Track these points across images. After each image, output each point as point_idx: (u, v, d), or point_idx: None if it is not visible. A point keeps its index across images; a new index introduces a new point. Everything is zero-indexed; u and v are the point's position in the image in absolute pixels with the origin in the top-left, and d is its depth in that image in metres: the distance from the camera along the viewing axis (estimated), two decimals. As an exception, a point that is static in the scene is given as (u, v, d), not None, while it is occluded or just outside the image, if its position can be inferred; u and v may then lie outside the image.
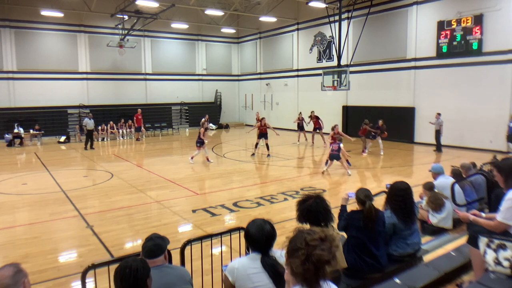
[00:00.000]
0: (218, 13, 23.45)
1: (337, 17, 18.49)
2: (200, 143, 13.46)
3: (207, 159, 13.64)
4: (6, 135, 19.99)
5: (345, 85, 17.40)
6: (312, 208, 3.22)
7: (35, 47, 22.68)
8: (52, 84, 23.22)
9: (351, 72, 18.17)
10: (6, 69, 21.98)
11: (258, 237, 2.66)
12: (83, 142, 18.65)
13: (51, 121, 22.65)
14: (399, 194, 4.12)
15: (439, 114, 15.15)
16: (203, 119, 21.68)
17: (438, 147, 15.36)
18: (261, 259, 2.62)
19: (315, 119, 18.07)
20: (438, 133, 15.19)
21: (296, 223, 3.23)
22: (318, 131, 18.08)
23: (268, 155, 14.80)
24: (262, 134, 15.04)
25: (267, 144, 15.02)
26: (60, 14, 21.35)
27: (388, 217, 4.05)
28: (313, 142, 18.21)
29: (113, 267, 3.34)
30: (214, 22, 26.31)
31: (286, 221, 6.95)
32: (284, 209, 8.10)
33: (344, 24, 19.18)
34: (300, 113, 19.34)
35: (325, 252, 1.70)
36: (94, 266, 3.29)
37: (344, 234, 3.95)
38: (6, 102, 22.04)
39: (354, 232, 3.78)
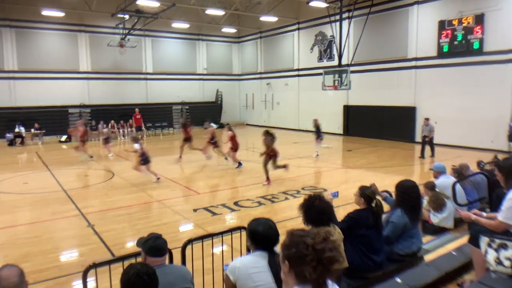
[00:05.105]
0: (219, 12, 23.42)
1: (338, 17, 18.47)
2: (145, 160, 10.72)
3: (155, 175, 10.78)
4: (8, 135, 20.03)
5: (346, 85, 17.36)
6: (317, 210, 3.23)
7: (36, 47, 22.68)
8: (53, 83, 23.22)
9: (352, 72, 18.13)
10: (7, 69, 21.98)
11: (268, 235, 2.65)
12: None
13: (52, 121, 22.65)
14: (412, 191, 4.10)
15: (427, 119, 14.16)
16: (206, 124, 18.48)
17: (432, 152, 14.14)
18: (269, 257, 2.61)
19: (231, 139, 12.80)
20: (431, 139, 14.08)
21: (295, 224, 3.23)
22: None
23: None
24: (186, 138, 13.86)
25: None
26: (61, 14, 21.34)
27: (399, 216, 4.02)
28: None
29: (114, 266, 3.36)
30: (214, 22, 26.29)
31: (287, 220, 6.94)
32: (285, 208, 8.10)
33: (345, 23, 19.15)
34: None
35: (334, 253, 1.66)
36: (95, 265, 3.29)
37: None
38: (7, 101, 22.05)
39: (362, 231, 3.74)
